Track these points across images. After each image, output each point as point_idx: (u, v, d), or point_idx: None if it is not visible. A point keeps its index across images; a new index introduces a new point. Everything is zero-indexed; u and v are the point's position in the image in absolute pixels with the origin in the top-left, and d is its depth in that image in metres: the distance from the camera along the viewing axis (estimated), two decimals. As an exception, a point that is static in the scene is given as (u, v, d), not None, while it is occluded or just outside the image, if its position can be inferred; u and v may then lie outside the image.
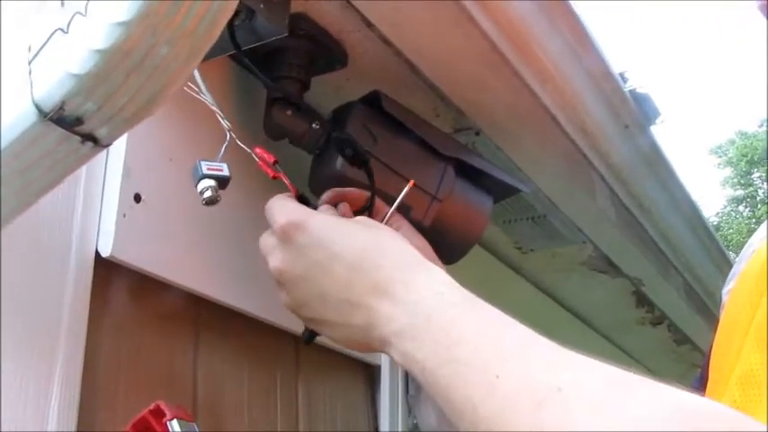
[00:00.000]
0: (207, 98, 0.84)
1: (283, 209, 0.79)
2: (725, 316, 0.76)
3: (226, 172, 0.81)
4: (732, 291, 0.78)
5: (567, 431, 0.53)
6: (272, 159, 0.84)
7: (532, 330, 0.63)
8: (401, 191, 0.89)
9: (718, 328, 0.76)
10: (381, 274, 0.71)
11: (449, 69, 1.08)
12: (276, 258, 0.77)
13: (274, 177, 0.84)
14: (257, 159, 0.84)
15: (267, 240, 0.80)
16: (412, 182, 0.87)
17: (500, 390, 0.58)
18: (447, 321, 0.65)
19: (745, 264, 0.78)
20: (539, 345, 0.61)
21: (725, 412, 0.51)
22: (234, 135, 0.85)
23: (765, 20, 0.71)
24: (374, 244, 0.75)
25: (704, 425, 0.50)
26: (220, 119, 0.85)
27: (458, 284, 0.70)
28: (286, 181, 0.84)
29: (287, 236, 0.76)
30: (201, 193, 0.80)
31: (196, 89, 0.84)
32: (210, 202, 0.80)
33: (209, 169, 0.81)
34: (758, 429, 0.50)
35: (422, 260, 0.73)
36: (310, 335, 0.88)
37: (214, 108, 0.84)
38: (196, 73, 0.84)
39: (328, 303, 0.75)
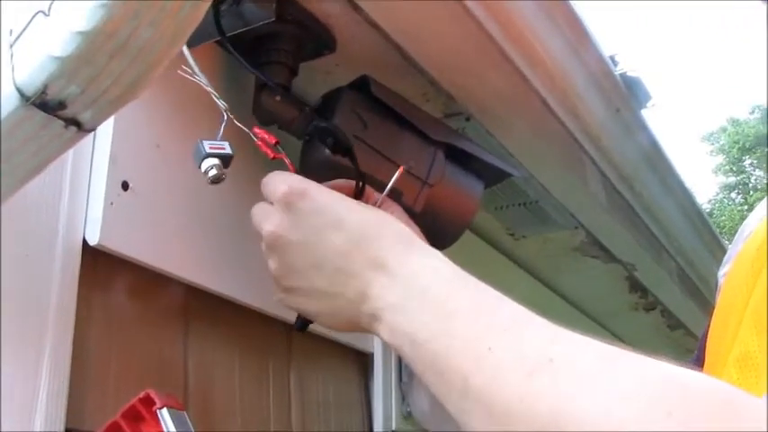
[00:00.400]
0: (201, 79, 0.83)
1: (285, 178, 0.78)
2: (721, 298, 0.76)
3: (228, 150, 0.81)
4: (728, 273, 0.78)
5: (557, 401, 0.53)
6: (273, 140, 0.83)
7: (526, 308, 0.63)
8: (392, 176, 0.89)
9: (715, 310, 0.76)
10: (380, 247, 0.72)
11: (438, 54, 1.08)
12: (273, 223, 0.77)
13: (274, 158, 0.83)
14: (256, 140, 0.83)
15: (262, 207, 0.79)
16: (401, 168, 0.86)
17: (491, 361, 0.58)
18: (442, 295, 0.66)
19: (741, 245, 0.78)
20: (532, 320, 0.62)
21: (717, 384, 0.51)
22: (231, 115, 0.84)
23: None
24: (374, 219, 0.75)
25: (696, 396, 0.50)
26: (216, 99, 0.84)
27: (453, 263, 0.70)
28: (287, 161, 0.83)
29: (288, 202, 0.76)
30: (206, 172, 0.79)
31: (190, 71, 0.83)
32: (216, 180, 0.79)
33: (211, 148, 0.80)
34: (751, 401, 0.50)
35: (418, 240, 0.74)
36: (303, 323, 0.87)
37: (209, 89, 0.83)
38: (188, 55, 0.83)
39: (322, 272, 0.74)
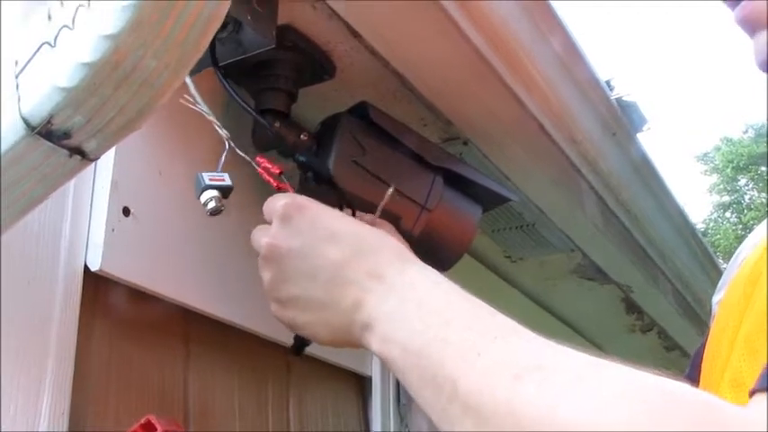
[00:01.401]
0: (203, 108, 0.84)
1: (286, 196, 0.80)
2: (715, 324, 0.77)
3: (228, 182, 0.82)
4: (722, 300, 0.79)
5: (544, 404, 0.54)
6: (277, 170, 0.84)
7: (518, 323, 0.65)
8: (390, 200, 0.90)
9: (709, 335, 0.77)
10: (377, 260, 0.73)
11: (436, 79, 1.09)
12: (270, 234, 0.78)
13: (278, 188, 0.84)
14: (258, 169, 0.85)
15: (260, 227, 0.81)
16: (391, 188, 0.87)
17: (481, 366, 0.59)
18: (439, 305, 0.67)
19: (734, 272, 0.79)
20: (523, 331, 0.63)
21: (701, 393, 0.52)
22: (233, 144, 0.85)
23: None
24: (371, 234, 0.77)
25: (680, 403, 0.51)
26: (218, 128, 0.85)
27: (449, 280, 0.72)
28: (291, 191, 0.85)
29: (287, 214, 0.77)
30: (205, 204, 0.80)
31: (192, 100, 0.84)
32: (215, 212, 0.81)
33: (211, 180, 0.81)
34: (733, 409, 0.51)
35: (414, 256, 0.76)
36: (299, 346, 0.88)
37: (211, 118, 0.84)
38: (190, 84, 0.84)
39: (317, 281, 0.75)
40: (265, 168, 0.84)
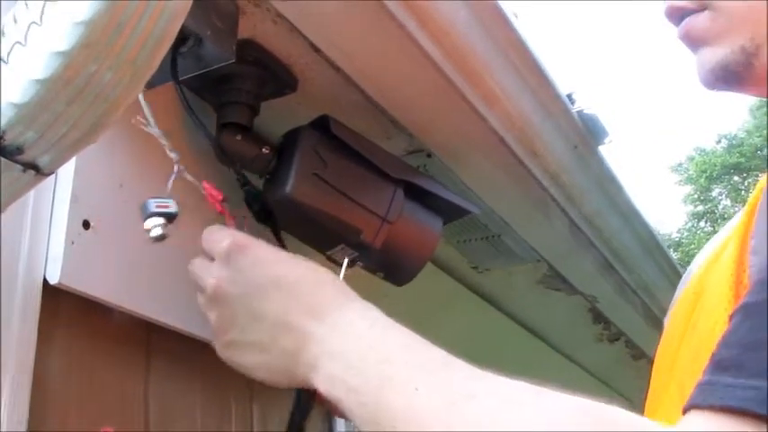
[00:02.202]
0: (154, 131, 0.85)
1: (226, 232, 0.81)
2: (663, 338, 0.79)
3: (173, 208, 0.84)
4: (670, 314, 0.81)
5: (478, 429, 0.55)
6: (219, 197, 0.87)
7: (451, 355, 0.66)
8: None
9: (658, 349, 0.79)
10: (318, 299, 0.74)
11: (397, 94, 1.10)
12: (215, 276, 0.79)
13: (221, 213, 0.87)
14: (203, 193, 0.87)
15: (202, 262, 0.82)
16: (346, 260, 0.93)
17: (419, 399, 0.60)
18: (377, 342, 0.68)
19: (684, 287, 0.81)
20: (457, 363, 0.65)
21: (631, 418, 0.53)
22: (182, 167, 0.86)
23: None
24: (313, 273, 0.78)
25: (609, 424, 0.52)
26: (168, 151, 0.86)
27: (384, 315, 0.73)
28: (228, 217, 0.88)
29: (230, 256, 0.78)
30: (149, 231, 0.82)
31: (144, 122, 0.85)
32: (159, 239, 0.83)
33: (157, 206, 0.83)
34: (656, 429, 0.52)
35: (354, 293, 0.77)
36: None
37: (162, 140, 0.85)
38: (144, 105, 0.85)
39: (262, 325, 0.76)
40: (210, 194, 0.86)
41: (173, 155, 0.85)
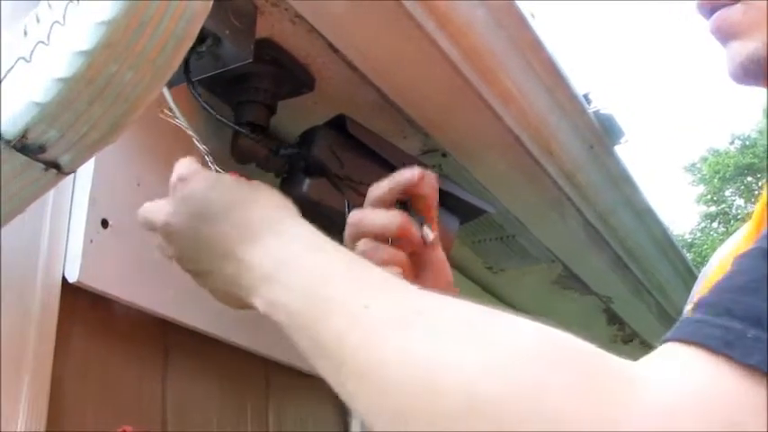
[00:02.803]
0: (182, 123, 0.85)
1: (178, 165, 0.79)
2: None
3: None
4: (687, 313, 0.80)
5: (435, 347, 0.53)
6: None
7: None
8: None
9: None
10: (251, 224, 0.72)
11: (414, 93, 1.10)
12: (162, 212, 0.78)
13: None
14: None
15: (153, 203, 0.81)
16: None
17: (367, 318, 0.58)
18: (316, 263, 0.65)
19: (700, 286, 0.81)
20: (405, 284, 0.62)
21: (588, 346, 0.52)
22: (212, 159, 0.86)
23: None
24: (246, 196, 0.75)
25: (569, 353, 0.51)
26: (197, 143, 0.85)
27: (324, 236, 0.70)
28: None
29: (176, 190, 0.77)
30: None
31: (171, 114, 0.85)
32: None
33: None
34: (619, 365, 0.51)
35: (294, 214, 0.74)
36: None
37: (190, 132, 0.85)
38: (170, 99, 0.85)
39: (203, 254, 0.75)
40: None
41: (201, 147, 0.85)
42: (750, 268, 0.52)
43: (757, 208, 0.75)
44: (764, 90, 0.75)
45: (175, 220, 0.77)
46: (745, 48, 0.71)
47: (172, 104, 0.84)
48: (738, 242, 0.77)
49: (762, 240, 0.55)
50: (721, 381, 0.47)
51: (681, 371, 0.48)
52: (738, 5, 0.71)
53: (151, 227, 0.80)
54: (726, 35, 0.73)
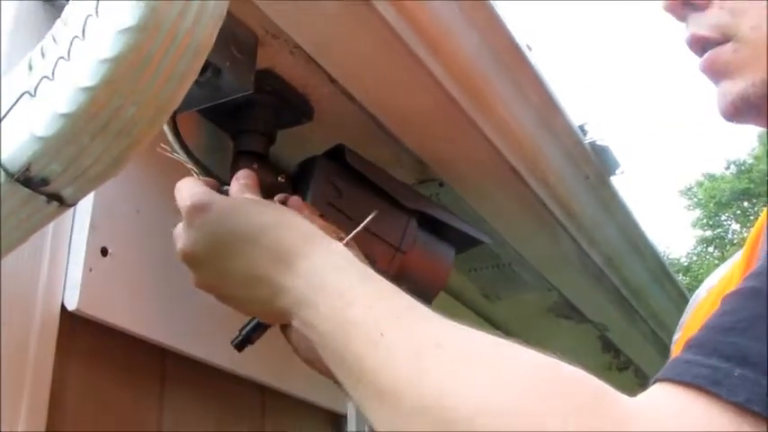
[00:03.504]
0: (181, 157, 0.86)
1: (191, 192, 0.80)
2: None
3: None
4: (677, 341, 0.81)
5: (442, 379, 0.55)
6: None
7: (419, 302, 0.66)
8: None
9: None
10: (282, 247, 0.74)
11: (410, 123, 1.11)
12: (182, 241, 0.79)
13: None
14: None
15: (178, 228, 0.81)
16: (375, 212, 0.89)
17: (383, 345, 0.60)
18: (341, 286, 0.68)
19: (690, 313, 0.82)
20: (424, 311, 0.64)
21: (593, 379, 0.54)
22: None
23: None
24: (276, 220, 0.77)
25: (573, 387, 0.53)
26: (197, 177, 0.86)
27: (355, 258, 0.72)
28: None
29: (191, 218, 0.78)
30: None
31: (169, 150, 0.86)
32: None
33: None
34: (619, 402, 0.53)
35: (323, 235, 0.75)
36: (241, 342, 0.89)
37: (190, 166, 0.87)
38: (168, 133, 0.86)
39: (233, 280, 0.77)
40: None
41: (201, 179, 0.86)
42: (738, 308, 0.54)
43: (748, 239, 0.76)
44: (756, 126, 0.76)
45: (197, 250, 0.78)
46: (736, 86, 0.72)
47: (170, 137, 0.85)
48: (728, 272, 0.78)
49: (749, 279, 0.56)
50: (711, 419, 0.48)
51: (672, 410, 0.50)
52: (730, 44, 0.72)
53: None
54: (717, 74, 0.74)
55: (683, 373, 0.51)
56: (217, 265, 0.78)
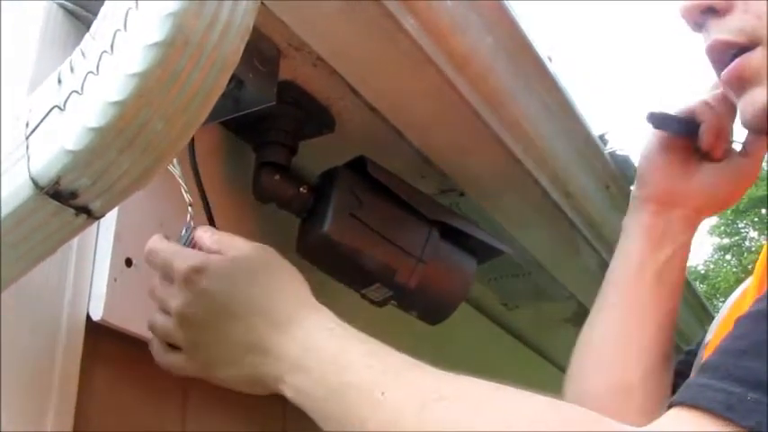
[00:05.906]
0: (175, 171, 0.86)
1: (179, 254, 0.80)
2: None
3: None
4: (707, 344, 0.81)
5: (450, 427, 0.56)
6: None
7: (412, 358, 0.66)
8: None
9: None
10: (275, 314, 0.74)
11: (432, 134, 1.11)
12: (177, 302, 0.78)
13: None
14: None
15: (163, 287, 0.81)
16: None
17: (386, 404, 0.61)
18: (335, 351, 0.69)
19: (721, 317, 0.82)
20: (420, 366, 0.65)
21: (593, 414, 0.55)
22: (192, 212, 0.86)
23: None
24: (267, 284, 0.77)
25: (575, 421, 0.54)
26: (184, 193, 0.86)
27: (345, 323, 0.73)
28: None
29: (189, 281, 0.77)
30: None
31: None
32: None
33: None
34: (621, 429, 0.54)
35: (314, 302, 0.76)
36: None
37: (180, 181, 0.87)
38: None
39: (227, 344, 0.76)
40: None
41: (186, 196, 0.86)
42: (750, 331, 0.55)
43: (761, 257, 0.75)
44: None
45: (192, 312, 0.78)
46: (765, 95, 0.70)
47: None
48: (748, 288, 0.78)
49: (761, 301, 0.57)
50: None
51: None
52: (759, 49, 0.70)
53: (162, 306, 0.81)
54: (746, 81, 0.71)
55: (696, 397, 0.52)
56: (215, 330, 0.77)
